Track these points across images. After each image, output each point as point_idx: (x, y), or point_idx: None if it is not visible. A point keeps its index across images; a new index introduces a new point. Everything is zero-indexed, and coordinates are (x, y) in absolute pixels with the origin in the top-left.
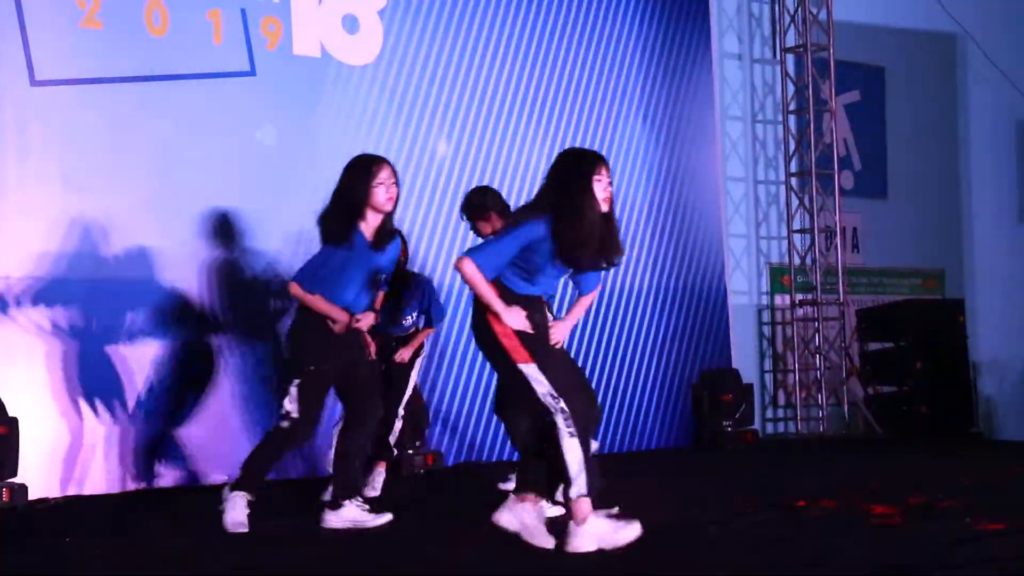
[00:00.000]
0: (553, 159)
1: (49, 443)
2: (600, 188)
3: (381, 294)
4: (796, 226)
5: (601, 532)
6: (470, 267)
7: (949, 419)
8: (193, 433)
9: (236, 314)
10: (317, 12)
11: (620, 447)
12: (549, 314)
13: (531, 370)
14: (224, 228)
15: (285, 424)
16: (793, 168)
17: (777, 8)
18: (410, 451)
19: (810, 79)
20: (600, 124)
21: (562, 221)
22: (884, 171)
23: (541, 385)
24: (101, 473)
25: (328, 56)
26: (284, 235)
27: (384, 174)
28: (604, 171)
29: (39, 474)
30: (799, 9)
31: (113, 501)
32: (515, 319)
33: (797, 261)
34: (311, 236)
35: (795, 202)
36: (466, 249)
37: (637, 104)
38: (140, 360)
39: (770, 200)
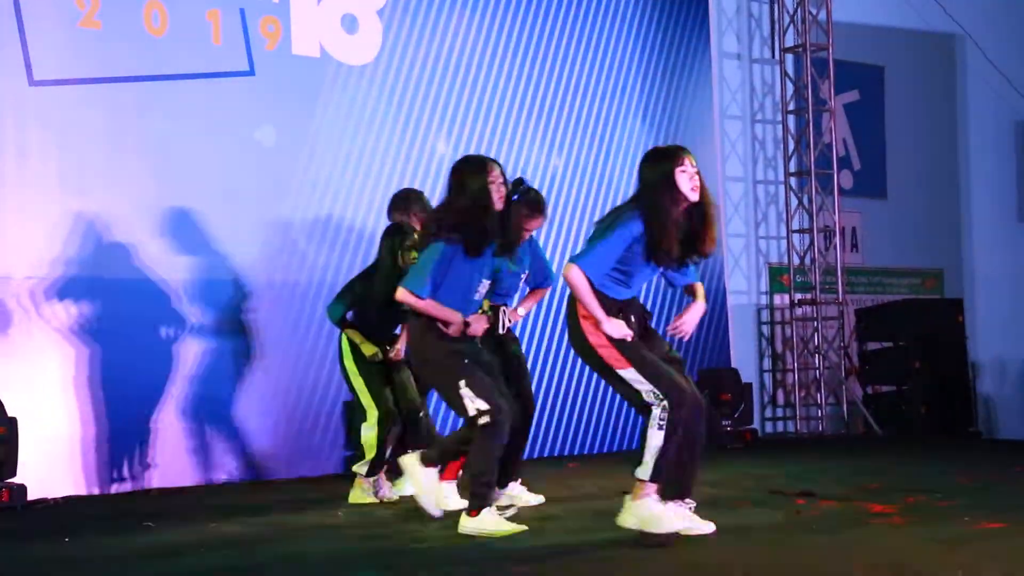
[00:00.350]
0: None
1: (48, 443)
2: (685, 179)
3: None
4: (795, 226)
5: (646, 516)
6: (577, 274)
7: (948, 418)
8: (193, 432)
9: (235, 313)
10: (316, 12)
11: (620, 445)
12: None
13: (631, 375)
14: (223, 227)
15: (485, 420)
16: (792, 168)
17: (776, 8)
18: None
19: (809, 79)
20: (599, 123)
21: (647, 222)
22: (883, 171)
23: (643, 385)
24: (100, 473)
25: (327, 56)
26: (283, 234)
27: (495, 173)
28: (687, 161)
29: (38, 474)
30: (798, 9)
31: (112, 501)
32: (615, 329)
33: (796, 261)
34: (308, 234)
35: (794, 202)
36: (570, 256)
37: (636, 103)
38: (139, 359)
39: (769, 200)
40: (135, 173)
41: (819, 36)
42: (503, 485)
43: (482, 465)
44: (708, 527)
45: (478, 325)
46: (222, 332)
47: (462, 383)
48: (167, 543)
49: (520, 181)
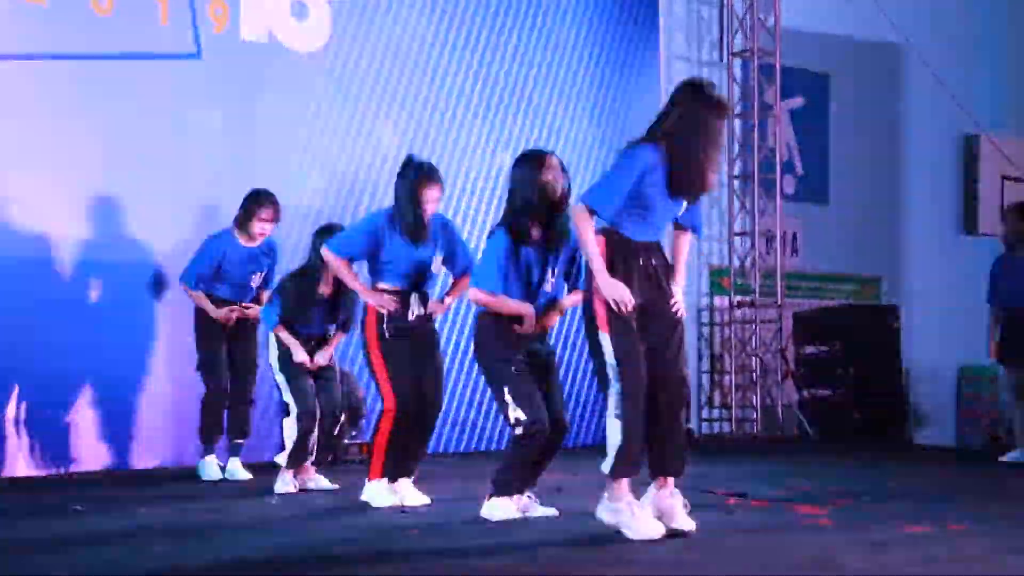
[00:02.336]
0: (677, 89)
1: None
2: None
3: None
4: (737, 228)
5: (621, 514)
6: (580, 212)
7: (880, 423)
8: (124, 417)
9: (174, 297)
10: None
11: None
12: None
13: (604, 340)
14: (164, 210)
15: (519, 431)
16: (736, 171)
17: (725, 12)
18: (345, 440)
19: (756, 84)
20: (547, 119)
21: (677, 146)
22: (826, 177)
23: (608, 356)
24: (24, 456)
25: (275, 42)
26: (226, 219)
27: (550, 163)
28: (724, 125)
29: None
30: (747, 14)
31: (38, 484)
32: (610, 289)
33: (737, 263)
34: None
35: (737, 205)
36: (581, 193)
37: (584, 101)
38: (71, 342)
39: (712, 202)
40: (76, 152)
41: (767, 42)
42: (394, 479)
43: (505, 464)
44: (689, 525)
45: (548, 319)
46: (160, 316)
47: (507, 389)
48: (95, 530)
49: (409, 159)
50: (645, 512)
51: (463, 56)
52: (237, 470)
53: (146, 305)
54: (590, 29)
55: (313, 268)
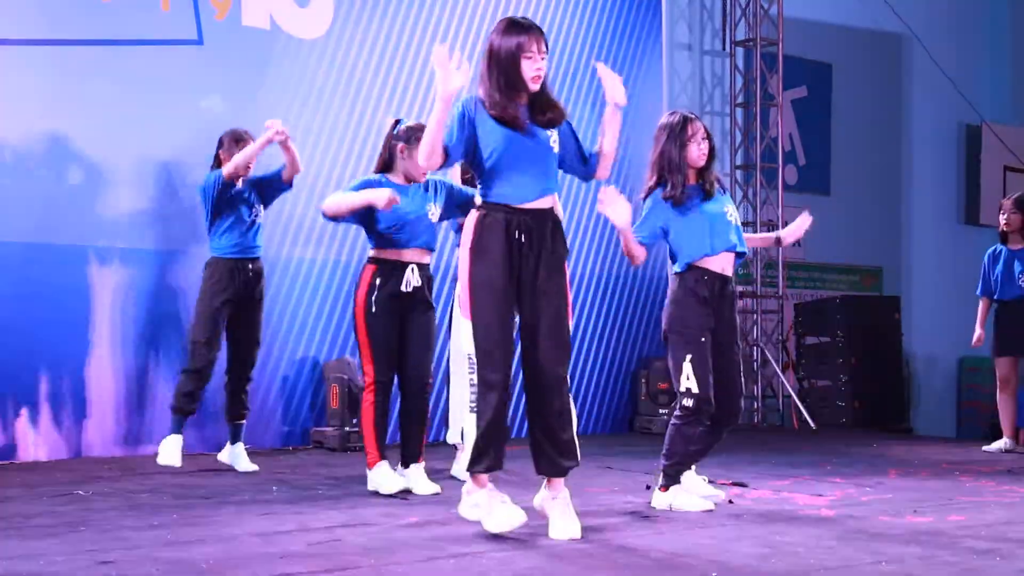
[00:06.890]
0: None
1: None
2: (529, 65)
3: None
4: (739, 219)
5: (480, 508)
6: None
7: (881, 414)
8: (126, 402)
9: (176, 281)
10: None
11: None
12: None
13: (465, 325)
14: (167, 197)
15: (688, 402)
16: (738, 161)
17: (728, 1)
18: (347, 428)
19: (758, 73)
20: None
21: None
22: (828, 168)
23: (468, 344)
24: (33, 439)
25: (277, 28)
26: None
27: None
28: (534, 47)
29: None
30: (750, 3)
31: (41, 468)
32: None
33: None
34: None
35: (739, 195)
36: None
37: (587, 89)
38: (74, 326)
39: None
40: (78, 139)
41: (770, 31)
42: (405, 465)
43: (675, 446)
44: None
45: None
46: (165, 301)
47: (688, 357)
48: (96, 511)
49: (398, 122)
50: (504, 504)
51: (465, 44)
52: (240, 457)
53: (165, 288)
54: (592, 17)
55: None
